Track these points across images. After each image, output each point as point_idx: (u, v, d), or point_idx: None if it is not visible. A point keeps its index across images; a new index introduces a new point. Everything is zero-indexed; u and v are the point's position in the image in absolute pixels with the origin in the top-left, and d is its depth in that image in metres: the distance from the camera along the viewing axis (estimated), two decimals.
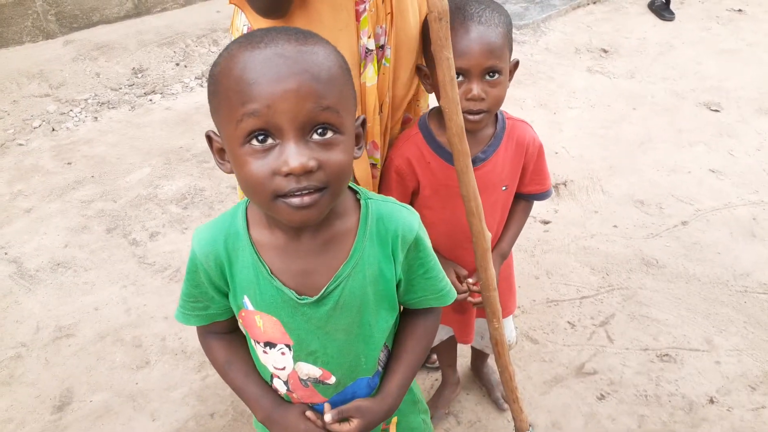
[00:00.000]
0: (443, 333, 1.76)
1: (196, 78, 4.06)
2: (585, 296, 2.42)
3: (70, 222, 2.78)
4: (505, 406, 1.97)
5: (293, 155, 0.81)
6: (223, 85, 0.84)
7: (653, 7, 4.89)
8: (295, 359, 1.02)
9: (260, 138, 0.82)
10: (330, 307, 0.97)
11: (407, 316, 1.13)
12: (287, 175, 0.81)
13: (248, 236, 0.96)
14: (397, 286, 1.05)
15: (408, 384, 1.10)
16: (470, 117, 1.30)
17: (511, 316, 1.76)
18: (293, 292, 0.96)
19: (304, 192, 0.83)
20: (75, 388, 2.04)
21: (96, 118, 3.62)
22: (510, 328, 1.77)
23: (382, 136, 1.45)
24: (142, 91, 3.88)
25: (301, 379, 1.05)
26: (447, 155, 1.36)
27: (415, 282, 1.06)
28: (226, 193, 2.96)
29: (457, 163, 1.27)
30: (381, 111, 1.40)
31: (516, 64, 1.36)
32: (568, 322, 2.30)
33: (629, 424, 1.93)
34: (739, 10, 4.90)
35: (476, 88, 1.26)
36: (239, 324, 1.05)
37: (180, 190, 2.98)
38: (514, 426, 1.57)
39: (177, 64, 4.19)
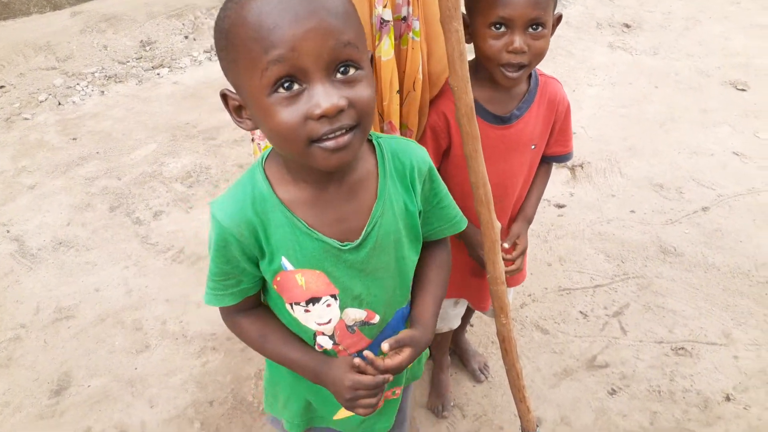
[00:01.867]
0: (457, 311, 1.72)
1: (205, 51, 3.97)
2: (599, 285, 2.33)
3: (73, 199, 2.74)
4: (482, 377, 1.99)
5: (324, 97, 0.80)
6: (239, 37, 0.81)
7: None
8: (342, 307, 1.04)
9: (286, 85, 0.81)
10: (370, 248, 1.00)
11: (424, 250, 1.15)
12: (321, 118, 0.81)
13: (275, 196, 0.96)
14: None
15: (438, 312, 1.15)
16: (509, 73, 1.25)
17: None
18: (335, 240, 0.97)
19: (337, 133, 0.82)
20: (73, 371, 2.01)
21: (103, 92, 3.56)
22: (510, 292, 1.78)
23: (416, 115, 1.36)
24: (150, 64, 3.81)
25: (348, 327, 1.07)
26: (482, 111, 1.34)
27: (431, 213, 1.10)
28: (231, 171, 2.89)
29: (465, 147, 1.20)
30: (414, 89, 1.31)
31: (559, 17, 1.30)
32: (581, 312, 2.22)
33: (641, 421, 1.85)
34: None
35: (519, 40, 1.21)
36: (272, 290, 1.04)
37: (185, 167, 2.92)
38: (521, 425, 1.51)
39: (186, 37, 4.10)
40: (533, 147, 1.44)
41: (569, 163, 2.93)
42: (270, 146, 1.00)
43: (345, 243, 0.98)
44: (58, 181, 2.85)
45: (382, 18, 1.19)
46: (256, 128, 0.90)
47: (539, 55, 1.25)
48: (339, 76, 0.82)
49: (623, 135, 3.13)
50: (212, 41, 4.06)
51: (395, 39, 1.24)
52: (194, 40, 4.09)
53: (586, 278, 2.36)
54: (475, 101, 1.32)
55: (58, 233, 2.56)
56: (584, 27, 4.15)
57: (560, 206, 2.71)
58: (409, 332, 1.07)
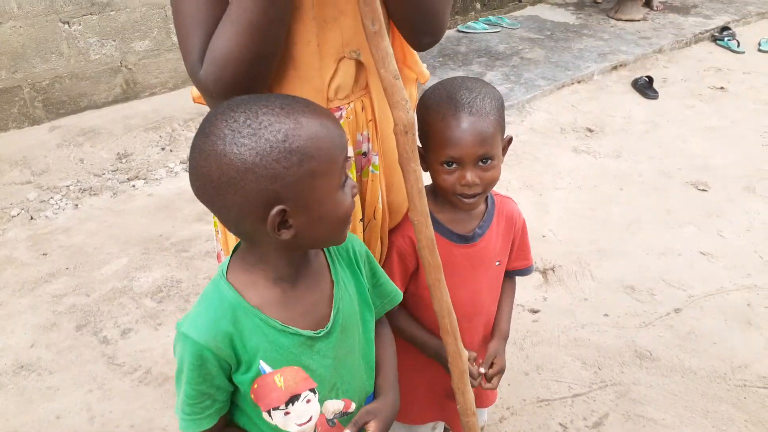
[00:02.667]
0: None
1: (181, 162, 4.04)
2: (577, 394, 2.30)
3: (39, 319, 2.67)
4: None
5: None
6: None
7: (637, 86, 4.96)
8: (321, 400, 1.09)
9: None
10: (338, 331, 1.08)
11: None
12: None
13: (245, 302, 1.01)
14: None
15: (396, 382, 1.23)
16: (464, 200, 1.33)
17: None
18: (309, 330, 1.05)
19: None
20: None
21: (77, 205, 3.56)
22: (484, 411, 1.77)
23: (378, 242, 1.41)
24: (126, 176, 3.85)
25: (328, 420, 1.11)
26: (446, 231, 1.41)
27: (372, 292, 1.20)
28: (203, 284, 2.87)
29: (428, 276, 1.23)
30: (374, 218, 1.36)
31: (509, 140, 1.37)
32: (560, 424, 2.17)
33: None
34: (721, 88, 4.97)
35: (470, 175, 1.28)
36: (246, 403, 1.07)
37: (156, 282, 2.89)
38: None
39: (162, 149, 4.18)
40: (498, 263, 1.49)
41: (541, 267, 2.96)
42: (229, 256, 1.06)
43: (318, 330, 1.06)
44: (24, 299, 2.79)
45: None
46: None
47: (491, 183, 1.32)
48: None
49: (592, 237, 3.19)
50: (188, 152, 4.14)
51: (357, 172, 1.29)
52: (170, 151, 4.17)
53: (564, 387, 2.33)
54: (439, 222, 1.39)
55: (21, 356, 2.47)
56: (549, 132, 4.33)
57: (534, 311, 2.71)
58: (364, 408, 1.13)
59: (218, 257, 1.39)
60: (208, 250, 3.09)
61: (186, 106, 4.63)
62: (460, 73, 5.09)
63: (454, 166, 1.29)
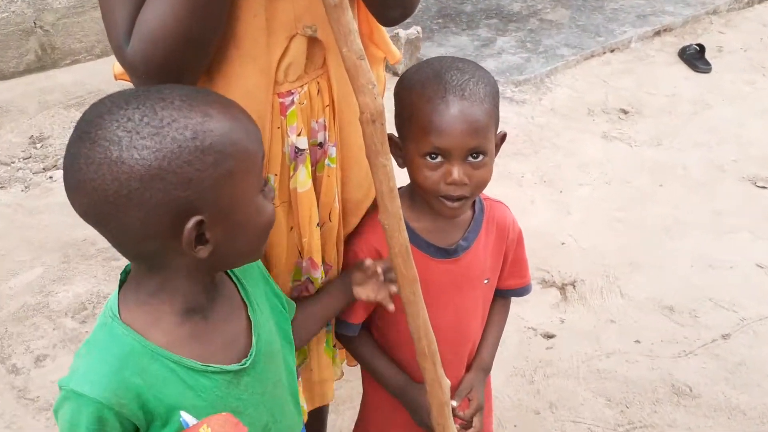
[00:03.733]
0: None
1: None
2: None
3: None
4: None
5: None
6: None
7: (684, 56, 5.03)
8: None
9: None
10: (263, 360, 1.14)
11: None
12: None
13: (150, 344, 1.02)
14: None
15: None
16: (448, 203, 1.36)
17: None
18: (233, 365, 1.10)
19: None
20: None
21: None
22: None
23: (335, 247, 1.47)
24: (41, 165, 3.90)
25: None
26: (424, 244, 1.45)
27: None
28: None
29: (402, 290, 1.28)
30: (330, 220, 1.43)
31: (503, 137, 1.43)
32: None
33: None
34: None
35: (457, 172, 1.32)
36: None
37: (79, 297, 2.95)
38: None
39: None
40: (486, 281, 1.54)
41: (558, 281, 3.04)
42: (116, 290, 1.08)
43: (243, 361, 1.11)
44: None
45: (296, 147, 1.32)
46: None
47: (481, 185, 1.37)
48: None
49: (622, 245, 3.28)
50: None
51: (311, 166, 1.36)
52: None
53: (583, 429, 2.41)
54: (415, 233, 1.43)
55: None
56: (573, 114, 4.41)
57: (549, 336, 2.79)
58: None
59: None
60: None
61: None
62: (463, 39, 5.17)
63: (438, 159, 1.32)
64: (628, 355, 2.70)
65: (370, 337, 1.57)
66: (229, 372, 1.09)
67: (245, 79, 1.22)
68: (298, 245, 1.40)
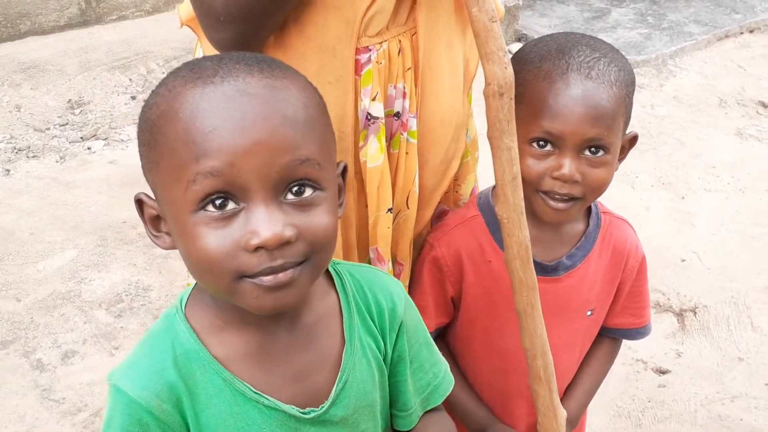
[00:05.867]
0: None
1: None
2: None
3: None
4: None
5: (264, 223, 0.87)
6: (164, 134, 0.90)
7: None
8: None
9: (218, 202, 0.88)
10: (344, 414, 1.05)
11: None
12: (257, 249, 0.87)
13: (205, 351, 1.00)
14: None
15: None
16: (551, 202, 1.31)
17: None
18: (294, 407, 1.01)
19: (278, 272, 0.89)
20: None
21: (8, 170, 3.70)
22: None
23: (410, 244, 1.44)
24: (79, 134, 3.98)
25: None
26: None
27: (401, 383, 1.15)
28: None
29: (518, 298, 1.27)
30: (407, 207, 1.40)
31: (633, 139, 1.39)
32: None
33: None
34: None
35: (569, 166, 1.28)
36: None
37: (115, 287, 2.99)
38: None
39: (133, 98, 4.30)
40: (590, 313, 1.47)
41: (676, 306, 2.97)
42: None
43: (307, 410, 1.02)
44: None
45: (369, 113, 1.29)
46: (174, 248, 0.97)
47: (597, 188, 1.32)
48: (290, 197, 0.90)
49: (757, 268, 3.19)
50: None
51: (386, 140, 1.33)
52: (144, 101, 4.28)
53: None
54: None
55: None
56: (701, 105, 4.31)
57: (662, 372, 2.73)
58: None
59: None
60: None
61: (169, 38, 4.74)
62: (571, 9, 5.09)
63: (548, 147, 1.29)
64: (757, 401, 2.62)
65: (452, 361, 1.52)
66: (285, 414, 1.01)
67: (326, 30, 1.21)
68: (360, 231, 1.38)
